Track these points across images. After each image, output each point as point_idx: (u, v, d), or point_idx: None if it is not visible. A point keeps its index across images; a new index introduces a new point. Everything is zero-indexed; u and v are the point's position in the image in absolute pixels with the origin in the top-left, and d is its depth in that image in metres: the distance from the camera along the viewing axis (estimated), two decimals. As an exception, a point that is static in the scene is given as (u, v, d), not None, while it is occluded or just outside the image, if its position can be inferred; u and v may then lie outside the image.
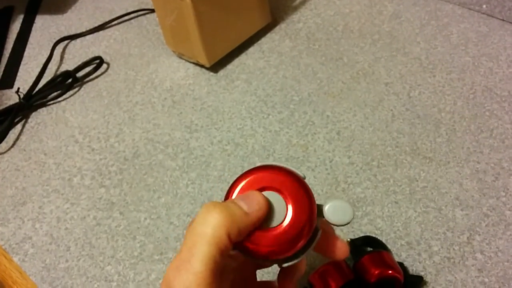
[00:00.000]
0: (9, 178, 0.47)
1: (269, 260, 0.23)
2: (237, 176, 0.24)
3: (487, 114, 0.46)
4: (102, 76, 0.57)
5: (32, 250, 0.41)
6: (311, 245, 0.23)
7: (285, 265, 0.23)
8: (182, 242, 0.22)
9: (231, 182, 0.24)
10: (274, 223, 0.22)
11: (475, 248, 0.37)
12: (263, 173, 0.23)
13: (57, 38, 0.61)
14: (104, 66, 0.57)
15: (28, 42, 0.63)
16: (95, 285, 0.38)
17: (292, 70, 0.54)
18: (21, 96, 0.53)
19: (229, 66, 0.55)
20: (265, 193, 0.23)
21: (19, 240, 0.42)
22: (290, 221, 0.22)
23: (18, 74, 0.59)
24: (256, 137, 0.47)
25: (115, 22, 0.64)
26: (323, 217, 0.24)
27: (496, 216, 0.38)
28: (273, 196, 0.23)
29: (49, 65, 0.57)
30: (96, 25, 0.63)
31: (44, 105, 0.54)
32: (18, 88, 0.54)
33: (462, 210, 0.39)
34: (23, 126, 0.52)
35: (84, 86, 0.56)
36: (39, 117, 0.53)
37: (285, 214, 0.22)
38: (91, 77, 0.56)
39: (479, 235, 0.37)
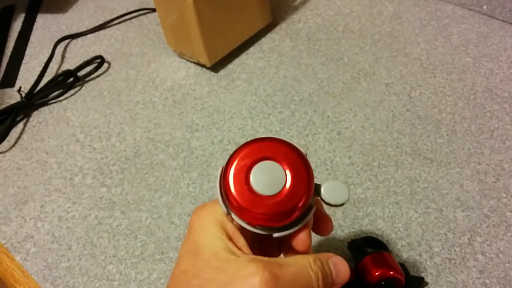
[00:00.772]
0: (11, 177, 0.47)
1: (262, 227, 0.23)
2: (241, 144, 0.24)
3: (487, 115, 0.46)
4: (103, 75, 0.57)
5: (34, 249, 0.41)
6: (304, 219, 0.24)
7: (276, 235, 0.23)
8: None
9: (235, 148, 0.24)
10: (272, 191, 0.23)
11: (476, 249, 0.37)
12: (266, 143, 0.24)
13: (58, 37, 0.61)
14: (105, 65, 0.57)
15: (30, 41, 0.63)
16: (97, 285, 0.38)
17: (292, 70, 0.54)
18: (23, 95, 0.53)
19: (230, 66, 0.55)
20: (265, 162, 0.23)
21: (21, 239, 0.42)
22: (287, 192, 0.23)
23: (20, 73, 0.59)
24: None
25: (116, 21, 0.64)
26: (320, 195, 0.24)
27: (497, 217, 0.38)
28: (273, 166, 0.23)
29: (51, 64, 0.57)
30: (97, 24, 0.63)
31: (45, 104, 0.54)
32: (20, 87, 0.54)
33: (463, 211, 0.39)
34: (25, 125, 0.52)
35: (85, 85, 0.56)
36: (41, 116, 0.53)
37: (283, 185, 0.23)
38: (92, 76, 0.56)
39: (480, 236, 0.37)
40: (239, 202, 0.23)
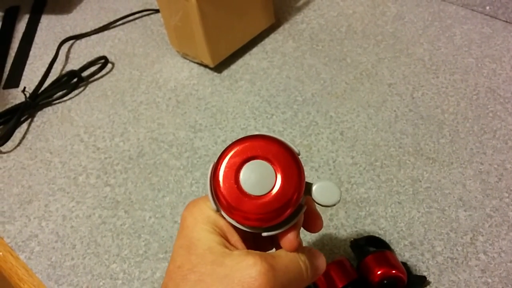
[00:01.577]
0: (15, 177, 0.47)
1: (251, 227, 0.23)
2: (234, 141, 0.24)
3: (490, 115, 0.46)
4: (107, 76, 0.57)
5: (38, 248, 0.41)
6: (294, 219, 0.23)
7: (265, 234, 0.23)
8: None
9: (225, 146, 0.24)
10: (261, 191, 0.22)
11: (478, 248, 0.37)
12: (257, 141, 0.23)
13: (63, 38, 0.61)
14: (109, 66, 0.58)
15: (34, 42, 0.64)
16: (101, 283, 0.38)
17: (295, 71, 0.54)
18: (27, 95, 0.53)
19: (233, 67, 0.55)
20: (256, 161, 0.23)
21: (25, 238, 0.42)
22: (277, 192, 0.22)
23: (24, 73, 0.59)
24: (260, 137, 0.47)
25: (120, 22, 0.64)
26: (311, 195, 0.24)
27: (499, 217, 0.38)
28: (263, 165, 0.23)
29: (55, 65, 0.58)
30: (101, 25, 0.63)
31: (49, 104, 0.55)
32: (24, 87, 0.54)
33: (465, 210, 0.39)
34: (29, 125, 0.53)
35: (89, 85, 0.56)
36: (45, 116, 0.53)
37: (273, 184, 0.23)
38: (96, 76, 0.57)
39: (482, 235, 0.37)
40: (228, 201, 0.22)
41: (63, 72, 0.58)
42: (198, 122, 0.50)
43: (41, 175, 0.47)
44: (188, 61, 0.57)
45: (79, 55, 0.60)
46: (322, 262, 0.26)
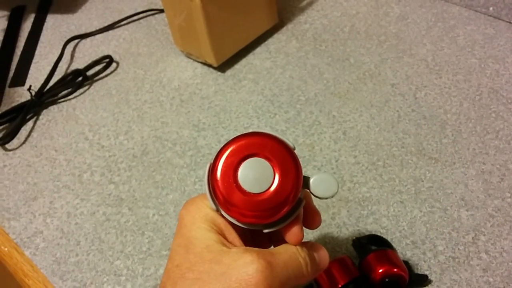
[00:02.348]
0: (21, 174, 0.48)
1: (251, 224, 0.23)
2: (229, 139, 0.24)
3: (493, 116, 0.46)
4: (111, 75, 0.58)
5: (43, 244, 0.42)
6: (294, 214, 0.24)
7: (266, 230, 0.23)
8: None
9: (221, 145, 0.24)
10: (260, 189, 0.23)
11: (480, 248, 0.37)
12: (253, 139, 0.23)
13: (68, 37, 0.62)
14: (114, 65, 0.58)
15: (39, 41, 0.64)
16: (105, 279, 0.39)
17: (298, 71, 0.54)
18: (33, 93, 0.54)
19: (237, 66, 0.56)
20: (253, 159, 0.23)
21: (31, 234, 0.43)
22: (275, 189, 0.23)
23: (30, 72, 0.60)
24: (263, 136, 0.48)
25: (125, 22, 0.65)
26: (309, 188, 0.24)
27: (501, 217, 0.39)
28: (261, 163, 0.23)
29: (60, 64, 0.58)
30: (106, 24, 0.64)
31: (55, 102, 0.55)
32: (30, 86, 0.55)
33: (467, 210, 0.39)
34: (35, 123, 0.53)
35: (94, 84, 0.57)
36: (50, 114, 0.54)
37: (272, 181, 0.23)
38: (101, 75, 0.57)
39: (484, 235, 0.38)
40: (227, 199, 0.23)
41: (68, 71, 0.58)
42: (201, 121, 0.50)
43: (46, 172, 0.48)
44: (192, 60, 0.57)
45: (84, 54, 0.61)
46: (324, 257, 0.25)
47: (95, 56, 0.59)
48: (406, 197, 0.41)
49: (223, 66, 0.56)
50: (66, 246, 0.41)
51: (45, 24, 0.67)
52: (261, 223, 0.23)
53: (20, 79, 0.59)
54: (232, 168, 0.23)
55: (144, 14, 0.65)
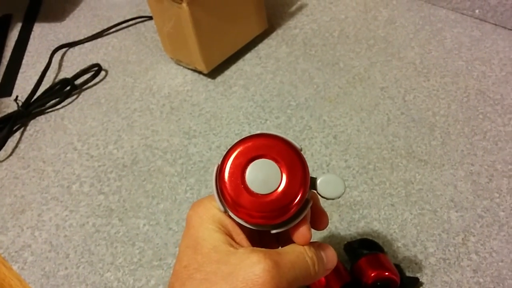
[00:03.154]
0: (8, 186, 0.47)
1: (259, 225, 0.23)
2: (236, 141, 0.24)
3: (480, 117, 0.47)
4: (100, 83, 0.57)
5: (32, 258, 0.41)
6: (301, 214, 0.24)
7: (274, 231, 0.24)
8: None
9: (229, 146, 0.24)
10: (267, 190, 0.23)
11: (470, 249, 0.37)
12: (260, 140, 0.24)
13: (56, 46, 0.61)
14: (103, 73, 0.58)
15: (27, 50, 0.64)
16: (95, 291, 0.38)
17: (289, 76, 0.54)
18: (20, 104, 0.53)
19: (227, 72, 0.56)
20: (261, 160, 0.23)
21: (18, 248, 0.42)
22: (283, 189, 0.23)
23: (17, 82, 0.59)
24: (254, 142, 0.48)
25: (113, 29, 0.64)
26: (316, 189, 0.24)
27: (490, 217, 0.39)
28: (268, 164, 0.23)
29: (48, 73, 0.58)
30: (94, 32, 0.64)
31: (42, 112, 0.55)
32: (17, 96, 0.54)
33: (457, 211, 0.40)
34: (22, 134, 0.53)
35: (83, 93, 0.56)
36: (38, 125, 0.53)
37: (279, 182, 0.23)
38: (89, 84, 0.57)
39: (474, 236, 0.38)
40: (235, 201, 0.23)
41: (56, 80, 0.58)
42: (192, 128, 0.50)
43: (34, 184, 0.47)
44: (182, 67, 0.57)
45: (72, 63, 0.60)
46: (331, 257, 0.25)
47: (83, 64, 0.59)
48: (396, 200, 0.41)
49: (213, 73, 0.55)
50: (55, 260, 0.41)
51: (32, 32, 0.67)
52: (269, 223, 0.23)
53: (6, 89, 0.58)
54: (240, 169, 0.23)
55: (133, 22, 0.65)
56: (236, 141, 0.24)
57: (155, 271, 0.39)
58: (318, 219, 0.26)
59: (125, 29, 0.65)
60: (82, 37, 0.64)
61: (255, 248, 0.23)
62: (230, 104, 0.52)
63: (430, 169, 0.43)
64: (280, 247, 0.26)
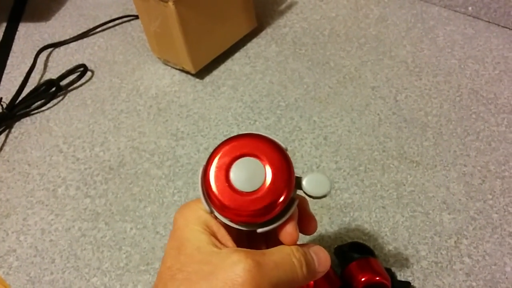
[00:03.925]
0: (-8, 190, 0.46)
1: (245, 223, 0.23)
2: (220, 142, 0.24)
3: (473, 117, 0.46)
4: (86, 84, 0.56)
5: (17, 263, 0.40)
6: (287, 213, 0.24)
7: (259, 230, 0.23)
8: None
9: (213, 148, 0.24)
10: (252, 187, 0.23)
11: (462, 252, 0.36)
12: (245, 140, 0.24)
13: (41, 46, 0.60)
14: (89, 74, 0.57)
15: (11, 51, 0.62)
16: (80, 299, 0.37)
17: (278, 75, 0.53)
18: (4, 106, 0.52)
19: (215, 72, 0.55)
20: (245, 159, 0.23)
21: (3, 253, 0.41)
22: (268, 187, 0.23)
23: (1, 83, 0.58)
24: (243, 143, 0.47)
25: (99, 29, 0.63)
26: (302, 188, 0.24)
27: (483, 219, 0.38)
28: (252, 162, 0.23)
29: (32, 74, 0.56)
30: (80, 32, 0.62)
31: (27, 114, 0.53)
32: (1, 98, 0.53)
33: (449, 214, 0.39)
34: (6, 136, 0.51)
35: (68, 94, 0.55)
36: (23, 127, 0.52)
37: (263, 180, 0.23)
38: (75, 85, 0.56)
39: (467, 238, 0.37)
40: (220, 200, 0.23)
41: (41, 81, 0.57)
42: (180, 129, 0.49)
43: (19, 187, 0.46)
44: (169, 67, 0.56)
45: (58, 64, 0.59)
46: (323, 259, 0.25)
47: (69, 65, 0.57)
48: (388, 202, 0.40)
49: (202, 73, 0.54)
50: (41, 265, 0.40)
51: (17, 33, 0.65)
52: (255, 222, 0.23)
53: (-9, 90, 0.57)
54: (224, 169, 0.23)
55: (120, 21, 0.64)
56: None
57: (142, 276, 0.38)
58: (307, 223, 0.26)
59: (112, 29, 0.63)
60: (67, 37, 0.62)
61: (238, 248, 0.23)
62: (219, 105, 0.51)
63: (422, 171, 0.42)
64: None
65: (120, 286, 0.38)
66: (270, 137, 0.24)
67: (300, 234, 0.25)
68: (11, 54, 0.62)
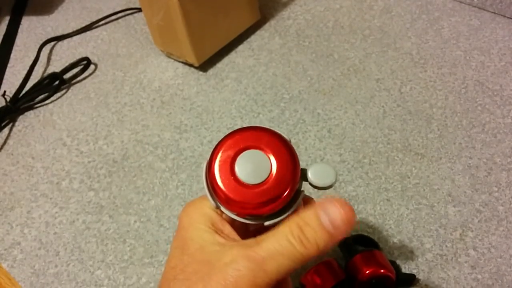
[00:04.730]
0: (-4, 183, 0.46)
1: (252, 216, 0.23)
2: (223, 135, 0.24)
3: (479, 109, 0.46)
4: (89, 77, 0.56)
5: (21, 255, 0.40)
6: (294, 205, 0.23)
7: (267, 223, 0.23)
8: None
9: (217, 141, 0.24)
10: (258, 179, 0.23)
11: (467, 244, 0.36)
12: (248, 133, 0.24)
13: (44, 40, 0.60)
14: (92, 67, 0.57)
15: (15, 44, 0.62)
16: (85, 291, 0.37)
17: (282, 68, 0.53)
18: (8, 99, 0.52)
19: (219, 65, 0.54)
20: (249, 151, 0.23)
21: (8, 246, 0.41)
22: (274, 178, 0.23)
23: (5, 77, 0.58)
24: (247, 136, 0.47)
25: (103, 22, 0.63)
26: (307, 179, 0.24)
27: (488, 212, 0.38)
28: (257, 154, 0.23)
29: (36, 67, 0.56)
30: (83, 25, 0.62)
31: (31, 108, 0.53)
32: (5, 91, 0.53)
33: (454, 206, 0.39)
34: (10, 130, 0.51)
35: (72, 88, 0.55)
36: (27, 121, 0.52)
37: (269, 171, 0.23)
38: (78, 78, 0.56)
39: (472, 231, 0.37)
40: (226, 193, 0.22)
41: (45, 74, 0.57)
42: (183, 122, 0.49)
43: (23, 181, 0.46)
44: (172, 60, 0.56)
45: (61, 57, 0.59)
46: (334, 215, 0.20)
47: (72, 58, 0.57)
48: (392, 194, 0.40)
49: (205, 65, 0.54)
50: (45, 257, 0.40)
51: (21, 26, 0.65)
52: (262, 214, 0.23)
53: (-5, 84, 0.57)
54: (229, 162, 0.23)
55: (123, 14, 0.64)
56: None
57: (146, 269, 0.38)
58: None
59: (115, 22, 0.63)
60: (70, 30, 0.62)
61: (234, 243, 0.22)
62: (222, 98, 0.51)
63: (427, 163, 0.42)
64: None
65: (124, 278, 0.38)
66: (273, 129, 0.24)
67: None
68: (15, 47, 0.62)
